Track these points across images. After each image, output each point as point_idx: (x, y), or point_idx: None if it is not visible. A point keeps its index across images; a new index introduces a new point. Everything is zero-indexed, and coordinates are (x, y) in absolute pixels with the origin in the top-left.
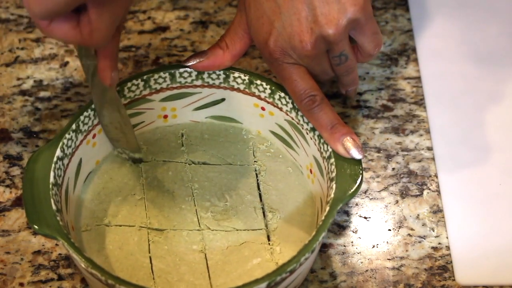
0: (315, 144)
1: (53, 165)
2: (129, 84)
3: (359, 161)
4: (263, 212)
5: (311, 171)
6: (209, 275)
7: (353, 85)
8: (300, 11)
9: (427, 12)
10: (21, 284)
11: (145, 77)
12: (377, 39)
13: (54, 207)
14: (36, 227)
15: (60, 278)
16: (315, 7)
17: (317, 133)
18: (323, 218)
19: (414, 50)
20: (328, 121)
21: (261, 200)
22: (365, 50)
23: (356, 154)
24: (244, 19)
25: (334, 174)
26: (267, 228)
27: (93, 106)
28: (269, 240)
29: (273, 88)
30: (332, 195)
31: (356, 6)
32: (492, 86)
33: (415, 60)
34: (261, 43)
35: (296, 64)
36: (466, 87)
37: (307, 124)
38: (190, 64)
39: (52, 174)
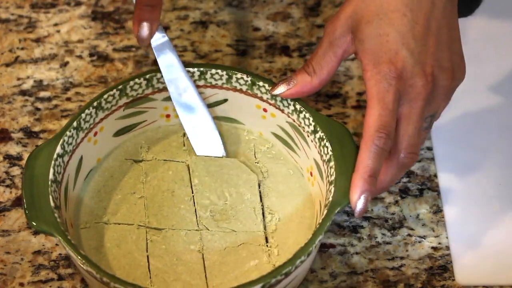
0: (316, 147)
1: (53, 162)
2: (131, 83)
3: None
4: (263, 214)
5: (311, 174)
6: (206, 275)
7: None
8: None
9: None
10: (21, 284)
11: (148, 76)
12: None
13: (52, 204)
14: (34, 223)
15: (60, 278)
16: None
17: (317, 135)
18: (320, 221)
19: None
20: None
21: (261, 200)
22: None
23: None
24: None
25: (333, 178)
26: (265, 230)
27: (94, 104)
28: (267, 242)
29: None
30: (331, 199)
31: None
32: (492, 86)
33: None
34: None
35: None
36: (466, 87)
37: (308, 126)
38: (277, 92)
39: (51, 171)
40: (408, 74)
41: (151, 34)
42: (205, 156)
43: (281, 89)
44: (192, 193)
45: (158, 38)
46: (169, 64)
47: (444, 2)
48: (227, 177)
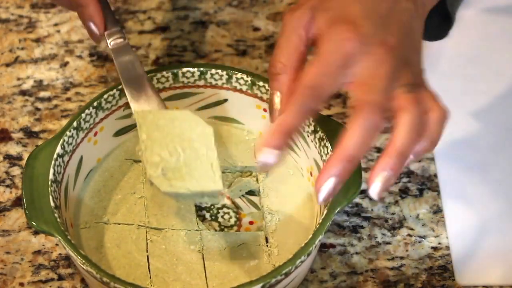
0: (316, 147)
1: (53, 162)
2: None
3: (359, 166)
4: (221, 170)
5: (311, 174)
6: (205, 275)
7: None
8: None
9: None
10: (21, 284)
11: (147, 76)
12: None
13: (52, 204)
14: (34, 223)
15: (60, 278)
16: None
17: (317, 135)
18: (320, 221)
19: None
20: None
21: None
22: None
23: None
24: None
25: None
26: (265, 230)
27: (94, 104)
28: (267, 242)
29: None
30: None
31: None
32: (492, 86)
33: None
34: None
35: None
36: (466, 87)
37: (308, 126)
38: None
39: (51, 171)
40: (367, 40)
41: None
42: (155, 109)
43: (274, 115)
44: (142, 149)
45: (115, 41)
46: (127, 67)
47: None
48: (179, 131)
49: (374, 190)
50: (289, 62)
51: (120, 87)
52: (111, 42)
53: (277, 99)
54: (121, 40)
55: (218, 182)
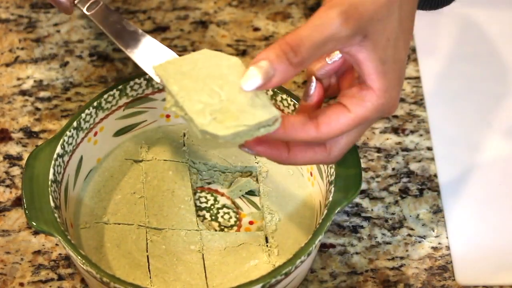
0: None
1: (53, 162)
2: (131, 83)
3: (359, 166)
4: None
5: (311, 174)
6: (205, 275)
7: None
8: None
9: (427, 13)
10: (21, 284)
11: (148, 76)
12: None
13: (52, 203)
14: (34, 223)
15: (60, 278)
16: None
17: None
18: (320, 221)
19: (414, 50)
20: None
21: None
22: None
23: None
24: None
25: (333, 178)
26: (265, 230)
27: (94, 104)
28: (267, 241)
29: (275, 90)
30: (331, 199)
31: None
32: (492, 86)
33: (415, 60)
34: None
35: None
36: (466, 87)
37: None
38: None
39: (51, 171)
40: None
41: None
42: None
43: (252, 85)
44: (179, 102)
45: (91, 6)
46: (116, 27)
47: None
48: (207, 71)
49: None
50: (306, 63)
51: (120, 86)
52: (86, 8)
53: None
54: (96, 4)
55: (271, 108)
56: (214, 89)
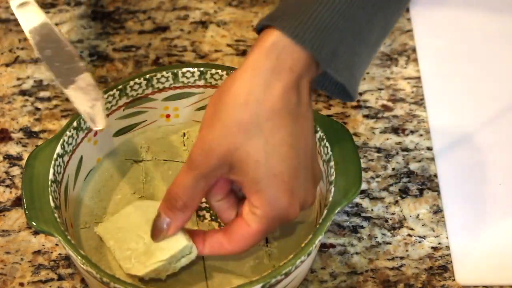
0: (316, 147)
1: (53, 162)
2: (131, 83)
3: (359, 166)
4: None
5: None
6: (205, 275)
7: None
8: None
9: (427, 12)
10: (21, 284)
11: (148, 76)
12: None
13: (52, 204)
14: (34, 223)
15: (60, 278)
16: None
17: (317, 136)
18: (320, 221)
19: (414, 50)
20: None
21: None
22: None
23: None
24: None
25: (333, 178)
26: None
27: None
28: (267, 242)
29: None
30: (331, 199)
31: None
32: (492, 86)
33: (415, 60)
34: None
35: None
36: (466, 87)
37: None
38: (158, 239)
39: (51, 171)
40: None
41: None
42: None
43: (159, 236)
44: (113, 253)
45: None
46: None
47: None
48: (136, 221)
49: None
50: (190, 204)
51: (120, 86)
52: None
53: (164, 224)
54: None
55: (181, 239)
56: (140, 235)
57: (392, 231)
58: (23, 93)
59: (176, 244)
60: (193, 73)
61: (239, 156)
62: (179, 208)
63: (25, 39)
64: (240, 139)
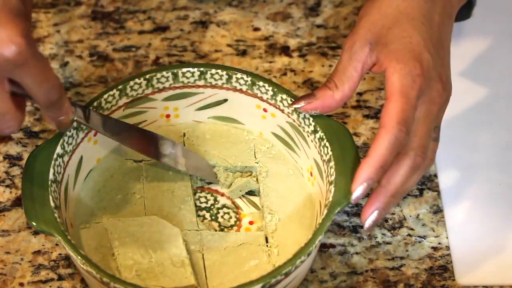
0: (316, 147)
1: (53, 162)
2: (131, 83)
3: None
4: (192, 266)
5: (311, 174)
6: (205, 275)
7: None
8: None
9: None
10: (21, 284)
11: (148, 76)
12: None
13: (52, 203)
14: (34, 223)
15: (60, 278)
16: None
17: (317, 135)
18: (320, 221)
19: None
20: None
21: (188, 253)
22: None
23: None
24: (357, 58)
25: (333, 178)
26: (265, 230)
27: (94, 104)
28: (267, 242)
29: (275, 89)
30: (331, 199)
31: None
32: (493, 86)
33: None
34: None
35: None
36: (466, 87)
37: (308, 126)
38: (299, 106)
39: (51, 171)
40: (431, 75)
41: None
42: (124, 218)
43: (302, 103)
44: (115, 254)
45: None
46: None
47: (448, 19)
48: (148, 235)
49: (367, 225)
50: (340, 86)
51: (120, 86)
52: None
53: (313, 97)
54: (88, 112)
55: (190, 277)
56: (148, 251)
57: (392, 231)
58: None
59: (184, 280)
60: (193, 73)
61: (377, 30)
62: (329, 87)
63: None
64: (376, 15)
